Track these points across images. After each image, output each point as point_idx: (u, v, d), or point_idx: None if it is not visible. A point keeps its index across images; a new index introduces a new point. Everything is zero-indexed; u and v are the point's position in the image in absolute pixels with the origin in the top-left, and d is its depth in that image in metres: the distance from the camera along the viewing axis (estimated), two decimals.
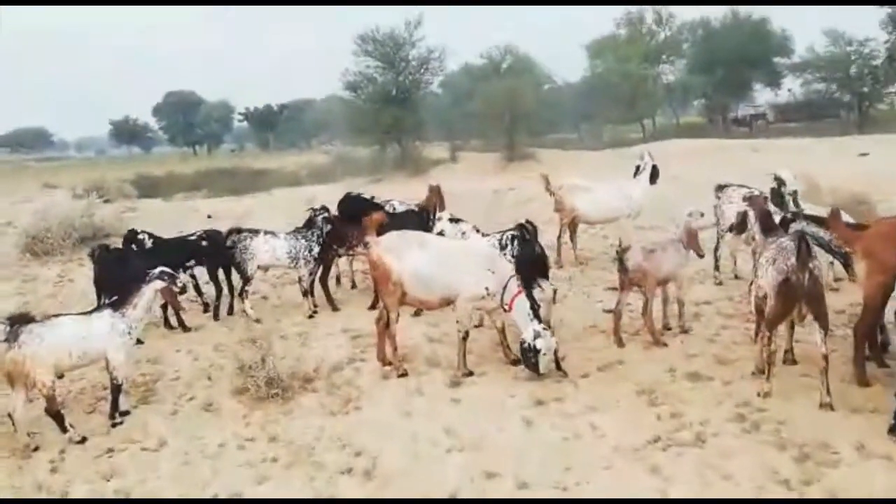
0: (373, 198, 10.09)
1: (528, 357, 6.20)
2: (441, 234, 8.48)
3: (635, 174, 10.62)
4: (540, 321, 6.27)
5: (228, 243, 8.93)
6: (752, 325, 7.22)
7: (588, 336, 7.46)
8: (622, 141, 35.54)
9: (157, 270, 6.35)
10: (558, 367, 6.24)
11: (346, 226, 9.20)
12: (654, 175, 10.55)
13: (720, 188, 9.36)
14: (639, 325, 7.48)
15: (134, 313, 6.08)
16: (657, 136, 34.60)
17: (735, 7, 40.26)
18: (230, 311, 9.15)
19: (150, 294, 6.22)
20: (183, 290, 6.57)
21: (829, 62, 35.54)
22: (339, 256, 9.72)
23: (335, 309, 9.28)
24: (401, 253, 6.53)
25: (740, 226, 6.41)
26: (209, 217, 18.78)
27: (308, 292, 9.11)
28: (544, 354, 6.13)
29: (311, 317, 8.94)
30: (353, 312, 8.96)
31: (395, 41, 29.56)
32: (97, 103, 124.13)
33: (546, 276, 7.40)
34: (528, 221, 8.09)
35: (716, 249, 9.37)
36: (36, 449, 5.62)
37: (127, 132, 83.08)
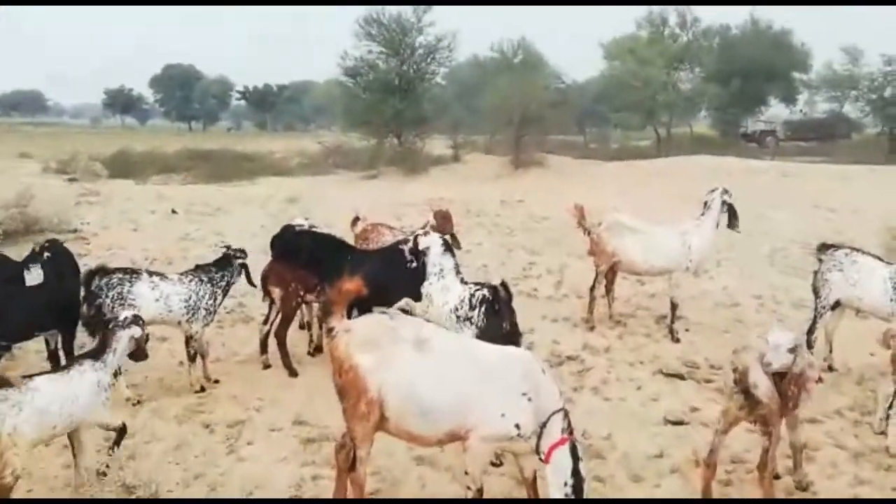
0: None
1: None
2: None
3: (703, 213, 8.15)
4: (579, 498, 3.77)
5: (92, 288, 6.18)
6: None
7: (653, 476, 5.01)
8: (634, 151, 33.14)
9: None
10: None
11: (290, 268, 6.90)
12: (731, 218, 8.10)
13: (824, 249, 6.96)
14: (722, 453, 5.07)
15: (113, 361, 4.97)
16: (672, 148, 32.18)
17: (756, 15, 37.94)
18: None
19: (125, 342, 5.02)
20: None
21: (848, 80, 33.44)
22: (305, 303, 7.29)
23: (293, 374, 6.89)
24: (385, 354, 4.04)
25: None
26: (174, 212, 16.28)
27: (195, 357, 6.57)
28: None
29: (201, 391, 6.48)
30: (313, 385, 6.47)
31: (401, 26, 27.05)
32: (98, 70, 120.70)
33: None
34: (503, 284, 5.79)
35: (809, 332, 6.99)
36: None
37: (121, 102, 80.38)
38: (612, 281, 8.57)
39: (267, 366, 7.07)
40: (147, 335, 5.23)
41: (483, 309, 5.63)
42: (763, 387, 4.31)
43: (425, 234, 6.26)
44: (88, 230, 13.28)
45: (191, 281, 6.53)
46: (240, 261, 6.80)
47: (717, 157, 25.00)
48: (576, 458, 3.78)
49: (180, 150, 30.39)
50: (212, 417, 5.91)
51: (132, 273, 6.39)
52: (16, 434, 4.26)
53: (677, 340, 7.91)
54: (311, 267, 6.72)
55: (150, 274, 6.49)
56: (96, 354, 4.90)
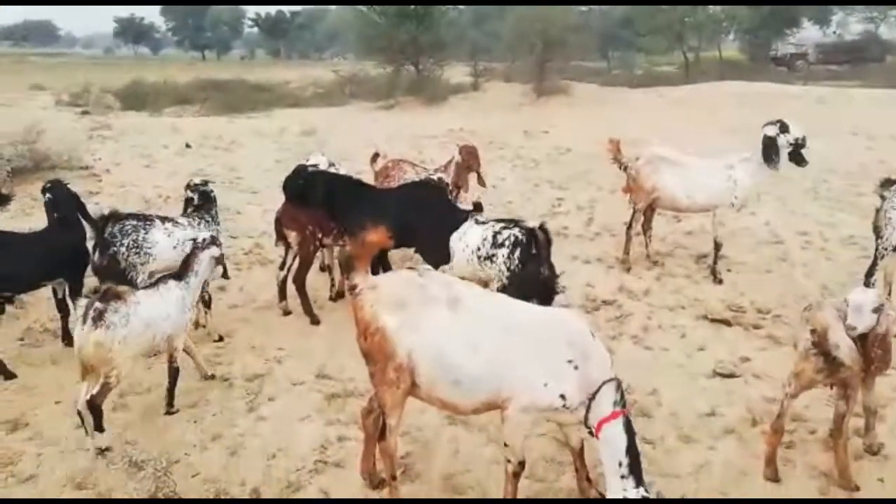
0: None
1: None
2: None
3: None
4: (639, 480, 3.29)
5: (105, 235, 5.84)
6: None
7: (707, 437, 4.60)
8: (660, 76, 31.80)
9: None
10: None
11: (306, 210, 6.53)
12: (766, 151, 7.32)
13: (888, 184, 6.37)
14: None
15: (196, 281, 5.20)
16: (698, 73, 30.81)
17: None
18: None
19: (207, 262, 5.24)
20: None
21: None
22: (323, 247, 6.88)
23: (315, 321, 6.54)
24: (414, 314, 3.59)
25: None
26: (187, 147, 15.75)
27: (210, 303, 6.26)
28: None
29: (219, 340, 6.18)
30: (336, 334, 6.11)
31: None
32: None
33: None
34: (542, 227, 5.45)
35: (868, 274, 6.49)
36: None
37: (132, 31, 78.86)
38: (649, 219, 8.04)
39: (287, 312, 6.72)
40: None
41: (518, 252, 5.21)
42: (845, 348, 3.85)
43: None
44: (100, 166, 12.81)
45: (199, 223, 6.30)
46: (212, 193, 6.67)
47: (749, 84, 23.81)
48: (631, 433, 3.35)
49: (193, 81, 29.60)
50: (231, 370, 5.59)
51: (145, 219, 6.08)
52: (123, 344, 4.48)
53: (720, 282, 7.44)
54: (327, 210, 6.31)
55: (163, 220, 6.20)
56: (178, 276, 5.04)
